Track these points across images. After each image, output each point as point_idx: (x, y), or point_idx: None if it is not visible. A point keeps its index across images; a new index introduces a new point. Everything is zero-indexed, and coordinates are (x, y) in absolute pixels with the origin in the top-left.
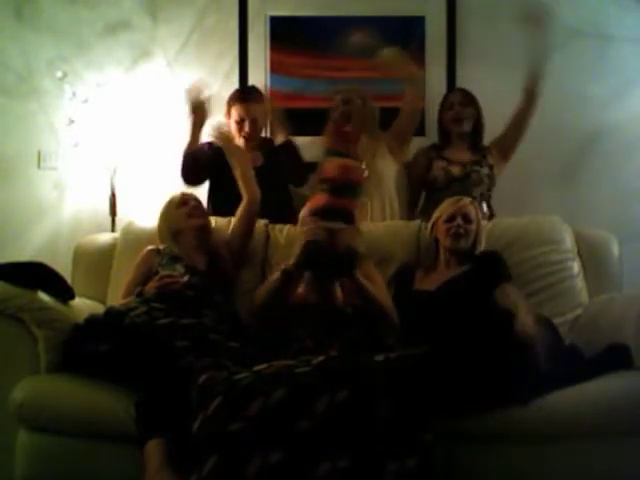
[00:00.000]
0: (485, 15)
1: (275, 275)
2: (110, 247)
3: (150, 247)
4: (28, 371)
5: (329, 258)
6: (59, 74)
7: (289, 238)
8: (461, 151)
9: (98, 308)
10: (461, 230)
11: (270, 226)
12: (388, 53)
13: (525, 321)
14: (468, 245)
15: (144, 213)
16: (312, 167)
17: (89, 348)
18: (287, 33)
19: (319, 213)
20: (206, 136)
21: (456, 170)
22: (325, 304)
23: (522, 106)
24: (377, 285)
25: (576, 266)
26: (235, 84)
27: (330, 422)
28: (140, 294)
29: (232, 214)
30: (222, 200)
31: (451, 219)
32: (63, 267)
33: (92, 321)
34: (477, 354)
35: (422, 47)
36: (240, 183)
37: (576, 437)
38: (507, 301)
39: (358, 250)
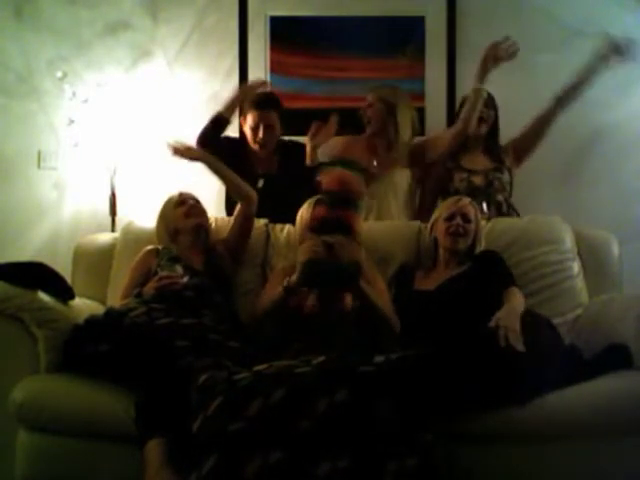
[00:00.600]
0: (485, 15)
1: (277, 290)
2: (110, 247)
3: (149, 247)
4: (28, 371)
5: (330, 273)
6: (59, 74)
7: (289, 238)
8: (477, 156)
9: (98, 308)
10: (460, 229)
11: (270, 226)
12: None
13: (509, 336)
14: (467, 245)
15: (144, 213)
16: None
17: (89, 348)
18: (287, 33)
19: (317, 226)
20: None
21: (478, 180)
22: (333, 315)
23: (548, 113)
24: (378, 289)
25: (576, 266)
26: (235, 84)
27: (330, 422)
28: (139, 295)
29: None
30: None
31: (450, 218)
32: (63, 267)
33: (92, 321)
34: (477, 354)
35: (422, 47)
36: (230, 188)
37: (576, 437)
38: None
39: (359, 262)
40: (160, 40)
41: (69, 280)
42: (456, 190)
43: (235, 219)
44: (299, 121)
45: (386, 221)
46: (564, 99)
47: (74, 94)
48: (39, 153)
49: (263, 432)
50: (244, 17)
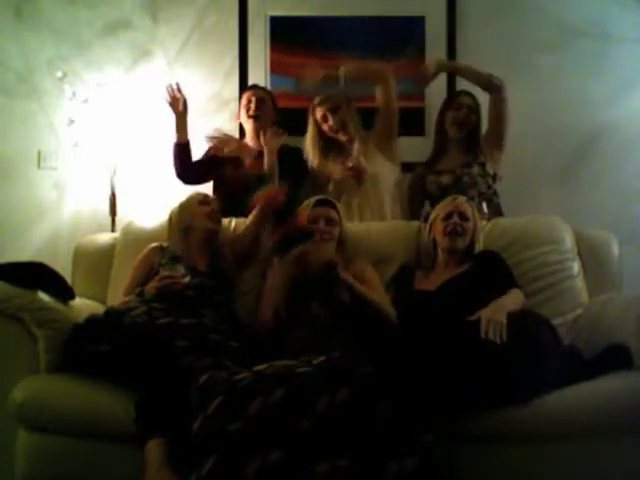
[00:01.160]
0: (485, 15)
1: (269, 314)
2: (110, 247)
3: (153, 244)
4: (28, 371)
5: (312, 284)
6: (59, 74)
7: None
8: (454, 156)
9: (98, 308)
10: (458, 228)
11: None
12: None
13: (488, 328)
14: (465, 244)
15: (144, 213)
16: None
17: (89, 348)
18: (287, 33)
19: (279, 249)
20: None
21: (446, 179)
22: (337, 312)
23: (490, 100)
24: (373, 285)
25: (576, 266)
26: (235, 84)
27: (330, 422)
28: (140, 294)
29: (236, 215)
30: (228, 201)
31: (448, 217)
32: (63, 267)
33: (92, 321)
34: (477, 355)
35: (422, 47)
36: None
37: (576, 437)
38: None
39: (330, 258)
40: (160, 40)
41: (69, 280)
42: (430, 194)
43: (250, 223)
44: (299, 121)
45: (386, 221)
46: (484, 85)
47: (74, 94)
48: (39, 153)
49: (263, 432)
50: (244, 17)
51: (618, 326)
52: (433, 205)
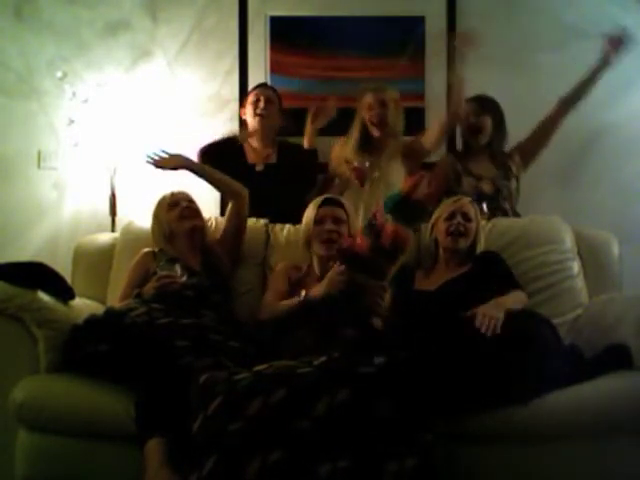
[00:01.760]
0: (485, 15)
1: (295, 299)
2: (110, 247)
3: (146, 250)
4: (28, 371)
5: (350, 307)
6: (59, 74)
7: (289, 238)
8: (483, 162)
9: (98, 308)
10: (461, 228)
11: (270, 226)
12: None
13: (482, 321)
14: (467, 244)
15: (144, 213)
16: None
17: (89, 348)
18: (287, 33)
19: (352, 259)
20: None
21: (487, 187)
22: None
23: (554, 115)
24: None
25: (576, 266)
26: (235, 84)
27: (330, 422)
28: (139, 295)
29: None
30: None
31: (451, 217)
32: (63, 267)
33: (92, 321)
34: (477, 354)
35: (422, 47)
36: (221, 188)
37: (576, 437)
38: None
39: (378, 310)
40: (160, 40)
41: (69, 280)
42: (464, 194)
43: (228, 218)
44: (299, 121)
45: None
46: (570, 100)
47: (74, 94)
48: (39, 153)
49: (263, 432)
50: (244, 17)
51: (618, 326)
52: None
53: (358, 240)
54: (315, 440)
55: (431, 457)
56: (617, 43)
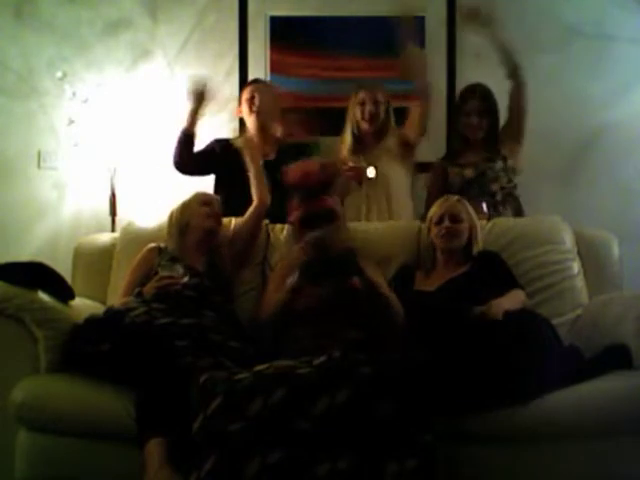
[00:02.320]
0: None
1: (282, 293)
2: (110, 247)
3: (151, 245)
4: (28, 371)
5: (328, 268)
6: (59, 74)
7: (289, 238)
8: (476, 150)
9: (98, 308)
10: (451, 231)
11: (270, 226)
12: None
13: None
14: (461, 244)
15: (144, 213)
16: None
17: (89, 348)
18: (287, 33)
19: (300, 225)
20: (211, 131)
21: (469, 172)
22: (346, 296)
23: (511, 92)
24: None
25: (576, 266)
26: (235, 84)
27: (330, 423)
28: (140, 294)
29: (236, 214)
30: (229, 199)
31: (439, 221)
32: (63, 267)
33: (92, 321)
34: (477, 354)
35: (422, 47)
36: (252, 183)
37: (576, 437)
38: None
39: (352, 246)
40: (160, 40)
41: (69, 280)
42: (450, 185)
43: (245, 221)
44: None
45: (386, 221)
46: (509, 71)
47: (74, 94)
48: (39, 153)
49: (263, 432)
50: (244, 17)
51: (618, 326)
52: None
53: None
54: (315, 440)
55: (431, 458)
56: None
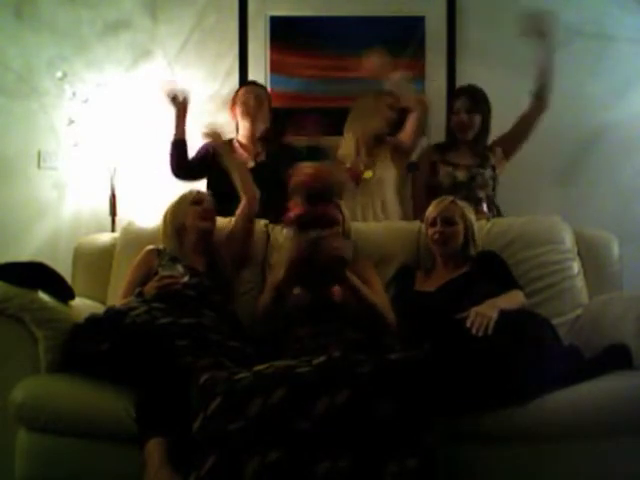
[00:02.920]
0: (485, 15)
1: (266, 292)
2: (110, 247)
3: (150, 247)
4: (28, 371)
5: (316, 269)
6: (59, 74)
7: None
8: (464, 153)
9: (98, 308)
10: (444, 234)
11: (270, 226)
12: (375, 56)
13: (475, 320)
14: (457, 246)
15: (144, 213)
16: None
17: (89, 348)
18: (287, 33)
19: (298, 224)
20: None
21: (461, 174)
22: (321, 303)
23: (530, 110)
24: (375, 288)
25: (576, 266)
26: (235, 84)
27: (330, 422)
28: (140, 294)
29: (231, 213)
30: (221, 199)
31: (432, 224)
32: (63, 267)
33: (92, 321)
34: (477, 355)
35: (422, 47)
36: (237, 183)
37: (576, 437)
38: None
39: (344, 255)
40: (160, 40)
41: (69, 280)
42: (439, 183)
43: (237, 219)
44: (299, 121)
45: (386, 221)
46: (538, 93)
47: (74, 94)
48: (39, 153)
49: (263, 432)
50: (244, 17)
51: (618, 326)
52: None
53: (292, 206)
54: (315, 440)
55: (431, 458)
56: (540, 30)
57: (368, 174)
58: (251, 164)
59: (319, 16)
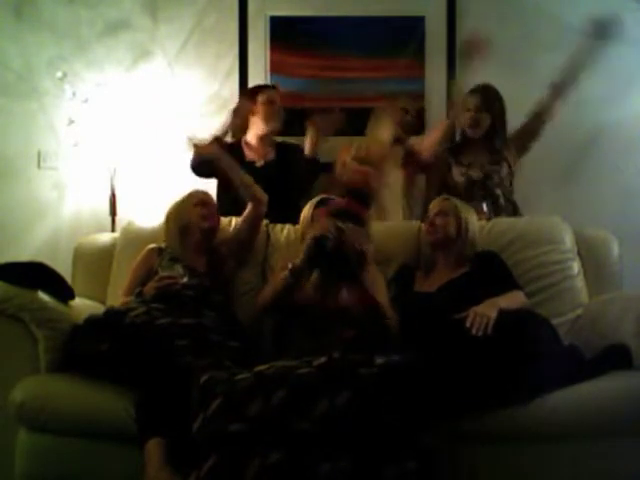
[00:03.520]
0: (485, 15)
1: (282, 274)
2: (110, 247)
3: (151, 246)
4: (28, 371)
5: (336, 256)
6: (59, 74)
7: (289, 238)
8: (479, 152)
9: (98, 308)
10: (434, 225)
11: (270, 226)
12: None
13: (475, 320)
14: (447, 236)
15: (144, 213)
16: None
17: (89, 348)
18: (287, 33)
19: (331, 212)
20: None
21: (476, 173)
22: (328, 303)
23: (546, 103)
24: (377, 286)
25: (576, 266)
26: (235, 84)
27: (330, 423)
28: (140, 294)
29: (240, 213)
30: (230, 201)
31: (430, 223)
32: (63, 267)
33: (92, 321)
34: (476, 355)
35: (422, 47)
36: (241, 189)
37: (576, 437)
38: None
39: (365, 252)
40: (160, 40)
41: (69, 280)
42: (455, 184)
43: (244, 220)
44: (299, 121)
45: (386, 221)
46: (560, 86)
47: (74, 94)
48: (39, 153)
49: (263, 433)
50: (244, 17)
51: (618, 326)
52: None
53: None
54: (315, 441)
55: (431, 460)
56: (605, 29)
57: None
58: (260, 163)
59: (319, 16)
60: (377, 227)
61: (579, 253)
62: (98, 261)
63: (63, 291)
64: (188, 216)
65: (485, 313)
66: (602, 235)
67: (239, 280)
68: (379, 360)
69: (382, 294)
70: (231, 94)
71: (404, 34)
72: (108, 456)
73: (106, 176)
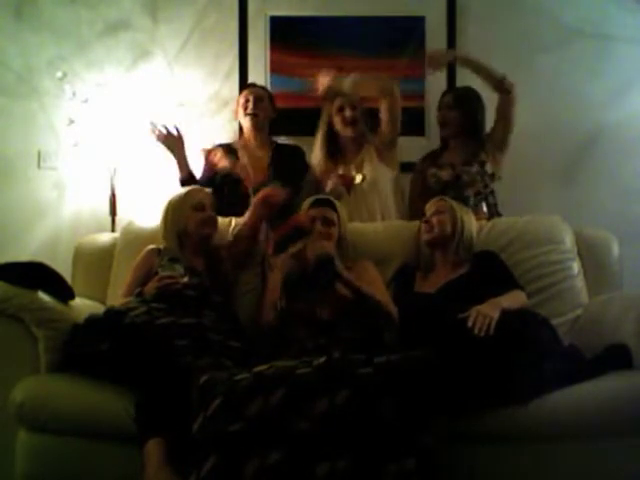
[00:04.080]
0: (485, 15)
1: (271, 314)
2: (110, 247)
3: (151, 246)
4: (28, 371)
5: (309, 276)
6: (59, 74)
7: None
8: (455, 153)
9: (98, 308)
10: (430, 223)
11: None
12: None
13: (477, 320)
14: (443, 234)
15: (144, 213)
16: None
17: (89, 348)
18: (287, 33)
19: (277, 249)
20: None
21: (445, 174)
22: (331, 311)
23: (499, 103)
24: (376, 285)
25: (576, 266)
26: (235, 84)
27: (330, 423)
28: (140, 294)
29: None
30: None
31: (427, 223)
32: (63, 267)
33: (92, 321)
34: (476, 355)
35: (422, 47)
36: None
37: (576, 437)
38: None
39: (328, 251)
40: (160, 40)
41: (69, 280)
42: (429, 188)
43: (247, 220)
44: (299, 121)
45: (386, 221)
46: (496, 84)
47: (74, 94)
48: (39, 153)
49: (263, 433)
50: (244, 17)
51: (618, 326)
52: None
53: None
54: (314, 441)
55: (431, 459)
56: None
57: (358, 178)
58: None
59: (319, 16)
60: (377, 227)
61: (579, 253)
62: (98, 261)
63: (63, 291)
64: (186, 221)
65: (488, 313)
66: (602, 235)
67: (239, 280)
68: (379, 359)
69: (380, 291)
70: (231, 94)
71: (404, 34)
72: (108, 456)
73: (106, 176)
